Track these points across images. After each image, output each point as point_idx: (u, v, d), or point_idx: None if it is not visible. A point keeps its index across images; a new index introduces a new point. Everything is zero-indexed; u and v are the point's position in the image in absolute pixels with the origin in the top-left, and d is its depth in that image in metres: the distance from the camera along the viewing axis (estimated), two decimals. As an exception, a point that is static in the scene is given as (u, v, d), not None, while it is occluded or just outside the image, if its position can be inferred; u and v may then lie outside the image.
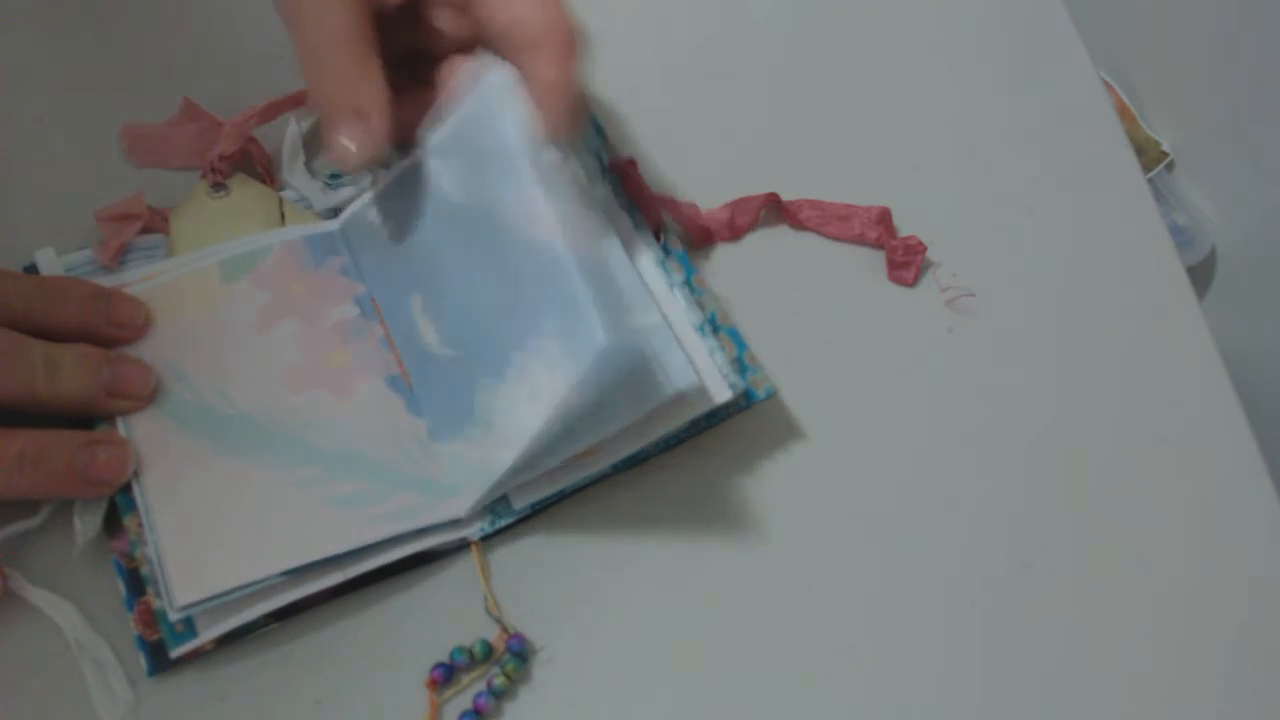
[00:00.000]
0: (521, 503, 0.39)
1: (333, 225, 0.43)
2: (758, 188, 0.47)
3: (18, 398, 0.36)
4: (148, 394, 0.38)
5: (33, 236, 0.42)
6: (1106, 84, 0.70)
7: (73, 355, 0.37)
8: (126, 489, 0.37)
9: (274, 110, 0.45)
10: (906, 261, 0.46)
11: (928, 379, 0.44)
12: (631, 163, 0.45)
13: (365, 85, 0.39)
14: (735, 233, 0.47)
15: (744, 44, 0.53)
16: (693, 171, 0.48)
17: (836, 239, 0.47)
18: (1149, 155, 1.15)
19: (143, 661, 0.36)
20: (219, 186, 0.44)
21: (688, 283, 0.43)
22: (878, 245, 0.47)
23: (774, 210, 0.48)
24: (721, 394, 0.40)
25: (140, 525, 0.37)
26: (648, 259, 0.43)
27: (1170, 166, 1.16)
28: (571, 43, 0.39)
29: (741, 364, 0.41)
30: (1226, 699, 0.39)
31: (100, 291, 0.39)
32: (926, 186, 0.49)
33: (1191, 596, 0.40)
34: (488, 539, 0.39)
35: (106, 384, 0.38)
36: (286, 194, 0.44)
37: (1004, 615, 0.40)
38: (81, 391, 0.37)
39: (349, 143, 0.38)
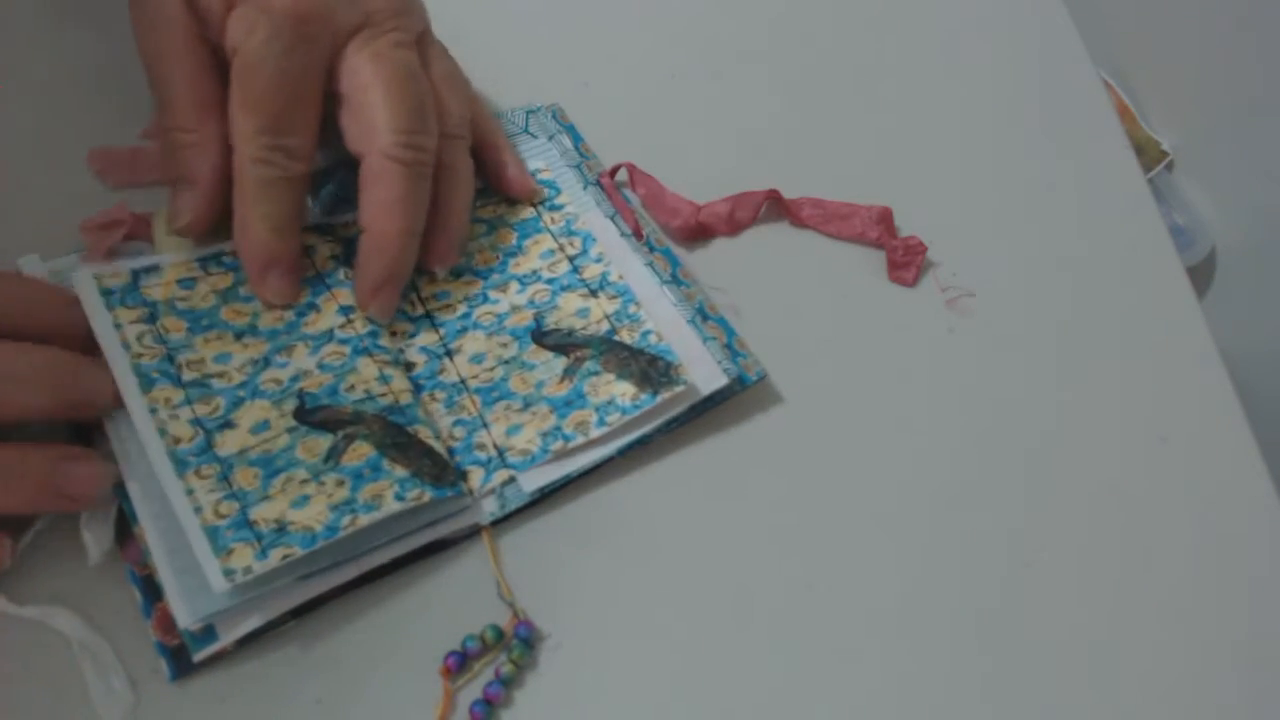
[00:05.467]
0: (531, 486, 0.39)
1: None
2: (759, 186, 0.47)
3: None
4: (108, 402, 0.37)
5: (15, 244, 0.41)
6: (1106, 84, 0.70)
7: (28, 364, 0.35)
8: (129, 497, 0.37)
9: None
10: (907, 261, 0.46)
11: (928, 379, 0.44)
12: (610, 174, 0.46)
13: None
14: (734, 227, 0.47)
15: (747, 43, 0.53)
16: (694, 170, 0.48)
17: (837, 238, 0.47)
18: (1149, 155, 1.15)
19: (164, 666, 0.36)
20: None
21: (674, 275, 0.44)
22: (878, 245, 0.47)
23: (775, 208, 0.48)
24: (717, 380, 0.41)
25: None
26: (636, 263, 0.44)
27: (1170, 166, 1.17)
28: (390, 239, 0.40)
29: (732, 349, 0.42)
30: (1227, 699, 0.39)
31: (70, 296, 0.38)
32: (927, 186, 0.49)
33: (1191, 596, 0.40)
34: (496, 524, 0.39)
35: (67, 398, 0.36)
36: None
37: (1004, 615, 0.40)
38: (38, 404, 0.35)
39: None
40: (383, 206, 0.39)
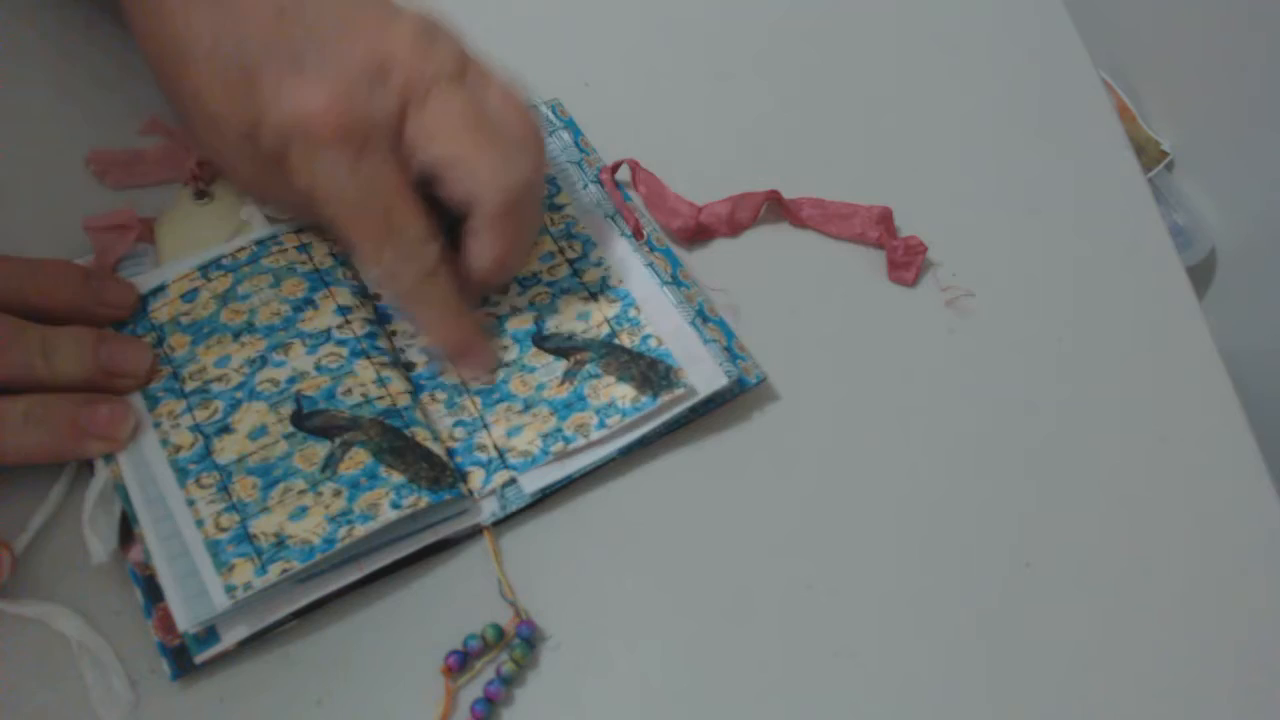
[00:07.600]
0: (532, 486, 0.39)
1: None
2: (760, 186, 0.47)
3: (17, 380, 0.37)
4: (145, 371, 0.39)
5: (16, 244, 0.42)
6: (1106, 84, 0.70)
7: (69, 336, 0.38)
8: (130, 498, 0.37)
9: None
10: (907, 261, 0.46)
11: (928, 379, 0.44)
12: (610, 170, 0.46)
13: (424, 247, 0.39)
14: (734, 228, 0.47)
15: (747, 43, 0.53)
16: (694, 170, 0.48)
17: (837, 238, 0.47)
18: (1149, 155, 1.15)
19: (165, 666, 0.36)
20: (202, 194, 0.44)
21: (674, 276, 0.44)
22: (878, 245, 0.47)
23: (775, 208, 0.48)
24: (717, 381, 0.41)
25: None
26: (636, 262, 0.44)
27: (1170, 166, 1.16)
28: (508, 225, 0.39)
29: (731, 352, 0.42)
30: (1226, 699, 0.39)
31: (90, 272, 0.40)
32: (927, 186, 0.49)
33: (1191, 596, 0.40)
34: (497, 524, 0.39)
35: (104, 363, 0.38)
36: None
37: (1004, 615, 0.40)
38: (80, 371, 0.38)
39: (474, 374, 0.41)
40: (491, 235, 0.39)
